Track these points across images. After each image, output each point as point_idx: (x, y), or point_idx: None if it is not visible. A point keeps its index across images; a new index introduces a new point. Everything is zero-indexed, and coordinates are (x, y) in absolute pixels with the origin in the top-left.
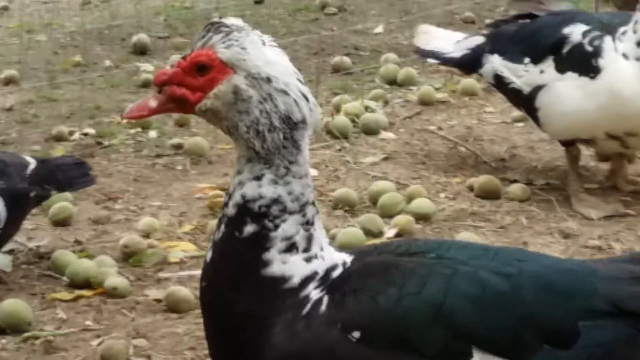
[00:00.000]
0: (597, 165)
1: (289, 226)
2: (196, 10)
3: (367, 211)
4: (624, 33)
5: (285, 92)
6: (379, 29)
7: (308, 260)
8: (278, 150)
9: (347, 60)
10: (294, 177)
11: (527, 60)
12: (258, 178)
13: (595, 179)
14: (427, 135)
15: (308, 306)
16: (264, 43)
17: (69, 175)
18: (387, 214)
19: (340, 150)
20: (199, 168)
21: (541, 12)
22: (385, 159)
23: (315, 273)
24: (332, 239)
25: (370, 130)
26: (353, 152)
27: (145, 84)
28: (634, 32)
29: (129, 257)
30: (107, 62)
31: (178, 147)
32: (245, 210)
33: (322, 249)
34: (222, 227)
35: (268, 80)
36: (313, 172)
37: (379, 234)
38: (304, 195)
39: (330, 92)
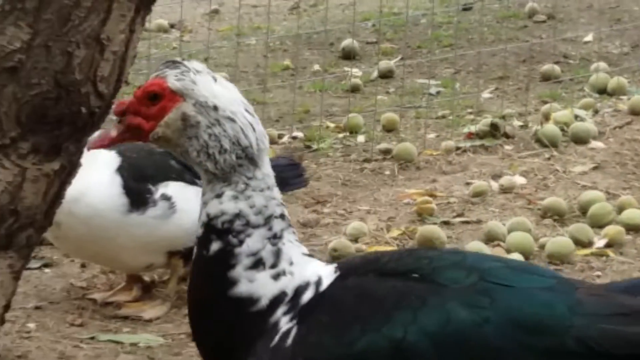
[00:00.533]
0: None
1: (254, 241)
2: (405, 16)
3: (576, 221)
4: None
5: (232, 120)
6: (589, 37)
7: (276, 277)
8: (234, 169)
9: (556, 68)
10: (255, 190)
11: None
12: (219, 196)
13: None
14: (637, 145)
15: (276, 338)
16: (215, 80)
17: (283, 175)
18: (597, 224)
19: (549, 158)
20: (407, 173)
21: None
22: (595, 168)
23: (284, 294)
24: (542, 247)
25: (580, 139)
26: (562, 160)
27: (354, 89)
28: None
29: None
30: (316, 67)
31: (386, 152)
32: (210, 228)
33: (291, 264)
34: (195, 248)
35: (215, 108)
36: (521, 180)
37: (589, 244)
38: (268, 208)
39: (540, 100)
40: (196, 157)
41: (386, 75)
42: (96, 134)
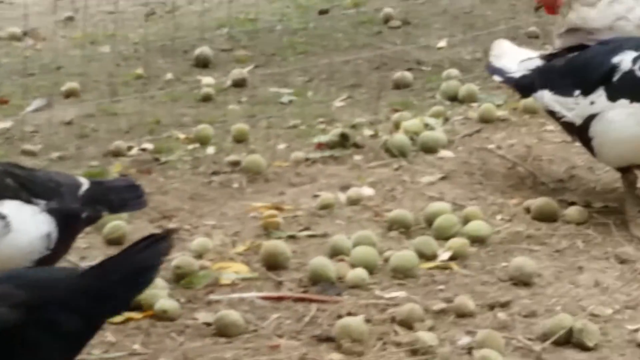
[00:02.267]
0: None
1: None
2: (259, 22)
3: (422, 233)
4: None
5: None
6: (442, 43)
7: None
8: None
9: (408, 75)
10: None
11: (577, 92)
12: None
13: None
14: (485, 154)
15: None
16: None
17: (121, 197)
18: (442, 236)
19: (397, 169)
20: (255, 186)
21: (591, 42)
22: (443, 178)
23: None
24: (386, 261)
25: (429, 149)
26: (411, 171)
27: (206, 98)
28: None
29: (180, 279)
30: (169, 75)
31: (235, 164)
32: None
33: None
34: None
35: None
36: (369, 191)
37: (433, 257)
38: None
39: (391, 108)
40: None
41: (239, 84)
42: None
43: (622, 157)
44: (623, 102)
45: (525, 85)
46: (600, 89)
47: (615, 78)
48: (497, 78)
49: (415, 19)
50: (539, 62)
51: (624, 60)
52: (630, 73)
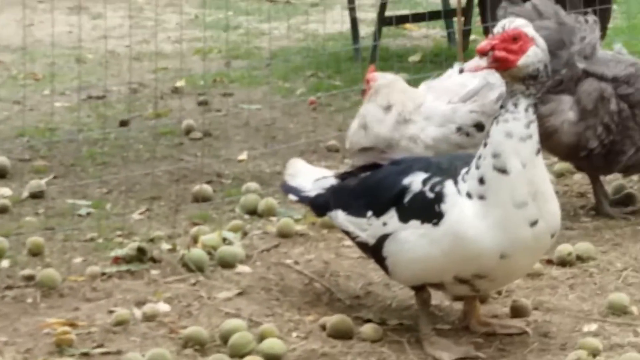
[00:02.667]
0: (451, 304)
1: None
2: (59, 132)
3: (217, 350)
4: (467, 172)
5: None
6: (244, 155)
7: None
8: None
9: (208, 188)
10: None
11: (369, 213)
12: None
13: (448, 319)
14: (283, 270)
15: None
16: None
17: None
18: (237, 354)
19: (194, 284)
20: (50, 301)
21: (384, 161)
22: (240, 294)
23: None
24: None
25: (227, 264)
26: (208, 286)
27: (2, 210)
28: (477, 167)
29: None
30: None
31: (29, 278)
32: None
33: None
34: None
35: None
36: (165, 307)
37: None
38: None
39: (190, 221)
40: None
41: (37, 195)
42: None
43: (414, 277)
44: (414, 223)
45: (320, 205)
46: (392, 210)
47: (406, 200)
48: (292, 197)
49: (216, 131)
50: (333, 181)
51: (414, 182)
52: (420, 194)
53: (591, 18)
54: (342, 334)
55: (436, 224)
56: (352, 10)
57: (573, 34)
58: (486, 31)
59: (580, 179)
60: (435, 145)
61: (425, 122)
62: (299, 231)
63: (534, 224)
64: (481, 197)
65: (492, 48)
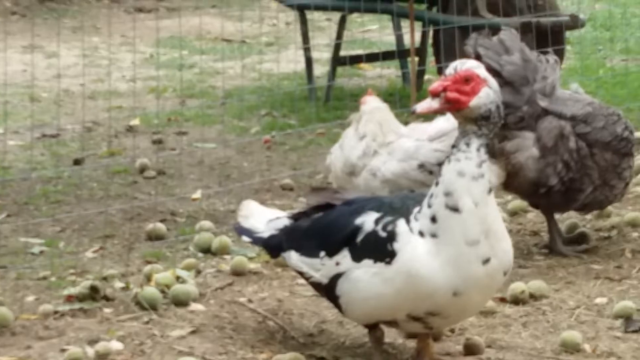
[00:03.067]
0: (405, 342)
1: None
2: (13, 170)
3: None
4: (419, 211)
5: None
6: (197, 194)
7: None
8: None
9: (161, 226)
10: None
11: (322, 253)
12: None
13: (402, 357)
14: (237, 308)
15: None
16: None
17: None
18: None
19: (148, 322)
20: (2, 340)
21: (337, 201)
22: (193, 332)
23: None
24: None
25: (180, 302)
26: (161, 324)
27: None
28: (429, 206)
29: None
30: None
31: None
32: None
33: None
34: None
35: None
36: (118, 345)
37: None
38: None
39: (143, 260)
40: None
41: None
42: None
43: (367, 315)
44: (367, 262)
45: (273, 246)
46: (344, 249)
47: (359, 239)
48: (245, 238)
49: (170, 169)
50: (286, 222)
51: (366, 221)
52: (373, 234)
53: (552, 57)
54: None
55: (389, 262)
56: (306, 50)
57: (536, 71)
58: (440, 71)
59: (533, 217)
60: (394, 179)
61: (388, 156)
62: (253, 269)
63: (486, 261)
64: (433, 235)
65: (444, 89)
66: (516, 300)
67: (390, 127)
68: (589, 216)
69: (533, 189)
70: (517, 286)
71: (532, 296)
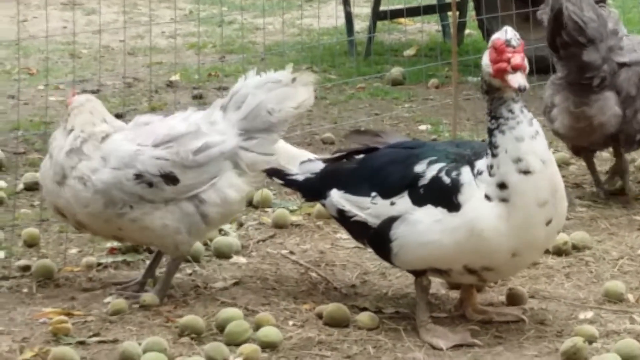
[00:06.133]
0: (448, 292)
1: None
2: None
3: (213, 339)
4: (481, 173)
5: None
6: None
7: None
8: None
9: None
10: None
11: (374, 193)
12: None
13: (445, 308)
14: (279, 260)
15: None
16: None
17: None
18: (234, 342)
19: (191, 274)
20: (46, 291)
21: (380, 145)
22: (236, 284)
23: None
24: None
25: (223, 254)
26: (204, 276)
27: None
28: (491, 175)
29: None
30: None
31: (25, 268)
32: None
33: None
34: None
35: None
36: None
37: None
38: None
39: None
40: None
41: (31, 187)
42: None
43: (422, 260)
44: (429, 207)
45: (310, 189)
46: (404, 192)
47: (421, 184)
48: (277, 180)
49: None
50: (322, 165)
51: (430, 167)
52: (436, 180)
53: (609, 9)
54: (338, 322)
55: (452, 212)
56: (346, 4)
57: (605, 26)
58: (481, 25)
59: (575, 170)
60: (106, 190)
61: (101, 161)
62: (294, 222)
63: (548, 222)
64: (503, 200)
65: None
66: (559, 252)
67: (103, 117)
68: (631, 168)
69: (611, 139)
70: (560, 237)
71: (575, 247)
